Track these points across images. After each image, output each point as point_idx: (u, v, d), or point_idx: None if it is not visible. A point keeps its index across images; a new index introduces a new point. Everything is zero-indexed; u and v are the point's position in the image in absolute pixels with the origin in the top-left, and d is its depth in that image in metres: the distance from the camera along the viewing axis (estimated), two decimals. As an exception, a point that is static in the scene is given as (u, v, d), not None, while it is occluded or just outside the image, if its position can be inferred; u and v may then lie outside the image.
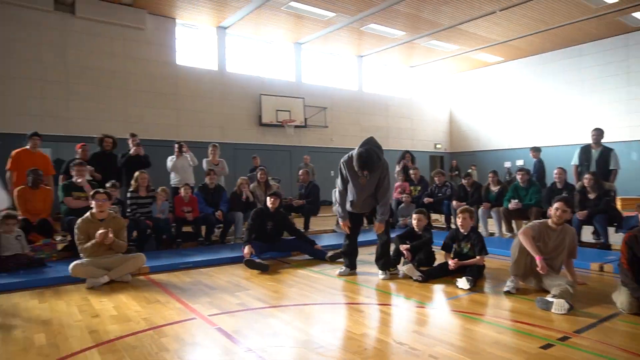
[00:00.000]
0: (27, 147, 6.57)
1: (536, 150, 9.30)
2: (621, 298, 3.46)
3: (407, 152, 9.45)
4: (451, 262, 4.58)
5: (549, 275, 3.91)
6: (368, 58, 17.46)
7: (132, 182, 6.54)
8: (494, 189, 7.44)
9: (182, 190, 6.86)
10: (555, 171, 6.88)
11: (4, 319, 3.48)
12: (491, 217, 7.35)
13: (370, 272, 4.93)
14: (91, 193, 4.75)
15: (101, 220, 4.59)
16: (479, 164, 17.86)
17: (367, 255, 5.48)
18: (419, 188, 8.58)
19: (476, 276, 4.33)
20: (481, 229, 7.45)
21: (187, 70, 13.44)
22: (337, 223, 7.48)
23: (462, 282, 4.15)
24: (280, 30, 14.41)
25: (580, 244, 6.12)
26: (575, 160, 7.23)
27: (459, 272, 4.46)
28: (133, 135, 7.61)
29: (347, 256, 4.95)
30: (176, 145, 7.96)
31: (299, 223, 8.16)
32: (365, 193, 4.60)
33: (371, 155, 4.31)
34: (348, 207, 4.73)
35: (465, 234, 4.70)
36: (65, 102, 11.35)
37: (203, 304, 3.79)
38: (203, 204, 7.00)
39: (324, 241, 6.70)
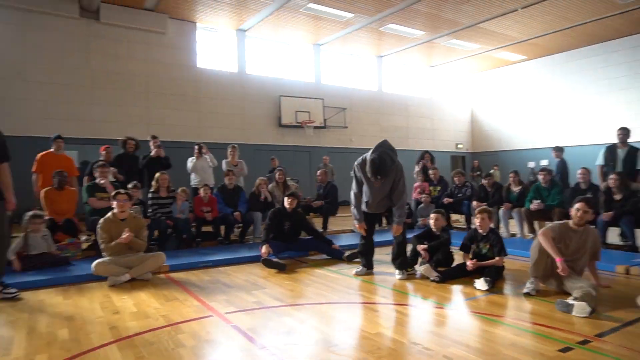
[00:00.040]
0: (52, 149, 6.78)
1: (558, 149, 9.08)
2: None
3: (427, 152, 9.37)
4: (469, 263, 4.52)
5: (570, 277, 3.82)
6: (387, 58, 17.39)
7: (153, 183, 6.68)
8: (515, 189, 7.31)
9: (201, 191, 6.97)
10: (579, 171, 6.71)
11: (31, 314, 3.61)
12: (512, 218, 7.22)
13: (387, 272, 4.91)
14: (112, 194, 4.88)
15: (122, 220, 4.71)
16: (501, 164, 17.55)
17: (384, 255, 5.46)
18: (438, 188, 8.50)
19: (495, 277, 4.26)
20: (502, 230, 7.35)
21: (208, 73, 13.64)
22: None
23: (480, 283, 4.10)
24: (299, 32, 14.49)
25: (606, 246, 5.97)
26: (600, 160, 7.03)
27: (478, 273, 4.40)
28: (154, 137, 7.77)
29: (364, 256, 4.94)
30: (196, 147, 8.09)
31: (317, 223, 8.18)
32: (380, 195, 4.59)
33: (384, 160, 4.27)
34: (363, 207, 4.73)
35: (484, 234, 4.63)
36: (89, 106, 11.66)
37: (220, 301, 3.85)
38: (222, 204, 7.09)
39: (342, 241, 6.70)
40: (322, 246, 5.94)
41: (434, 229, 5.10)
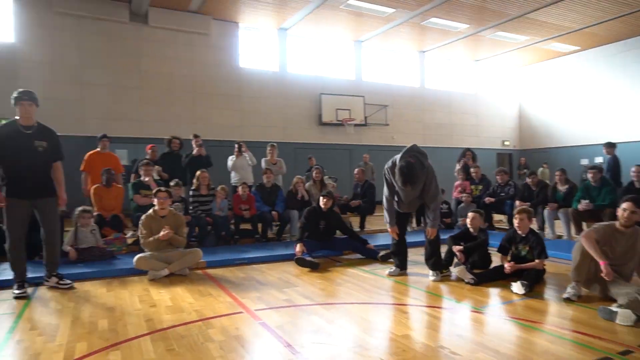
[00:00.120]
0: (98, 148, 7.17)
1: (610, 146, 8.52)
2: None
3: (468, 149, 9.10)
4: (507, 266, 4.36)
5: (616, 282, 3.60)
6: (430, 53, 17.01)
7: (194, 181, 6.91)
8: (562, 188, 6.96)
9: (239, 189, 7.13)
10: (633, 169, 6.32)
11: (77, 304, 3.85)
12: (558, 219, 6.88)
13: (421, 273, 4.83)
14: (154, 191, 5.09)
15: (162, 217, 4.91)
16: (552, 161, 16.71)
17: (419, 256, 5.35)
18: (480, 187, 8.24)
19: (533, 281, 4.09)
20: (547, 231, 7.03)
21: (250, 72, 13.90)
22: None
23: (517, 287, 3.95)
24: (339, 29, 14.46)
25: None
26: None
27: (516, 276, 4.23)
28: (196, 136, 8.03)
29: (397, 256, 4.89)
30: (236, 146, 8.27)
31: (355, 222, 8.18)
32: (411, 196, 4.52)
33: (412, 167, 4.17)
34: (395, 206, 4.67)
35: (523, 235, 4.45)
36: (139, 106, 12.21)
37: (252, 298, 3.93)
38: (260, 203, 7.22)
39: (379, 241, 6.64)
40: (356, 246, 5.93)
41: (471, 230, 4.96)
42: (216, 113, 13.24)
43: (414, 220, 7.75)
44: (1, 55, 10.65)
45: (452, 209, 8.30)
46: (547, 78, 18.26)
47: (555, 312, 3.52)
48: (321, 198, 5.95)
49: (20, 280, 4.16)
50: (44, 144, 4.20)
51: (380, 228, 8.36)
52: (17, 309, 3.71)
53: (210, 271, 5.10)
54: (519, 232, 4.46)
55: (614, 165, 8.39)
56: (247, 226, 7.27)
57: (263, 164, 8.40)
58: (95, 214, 5.82)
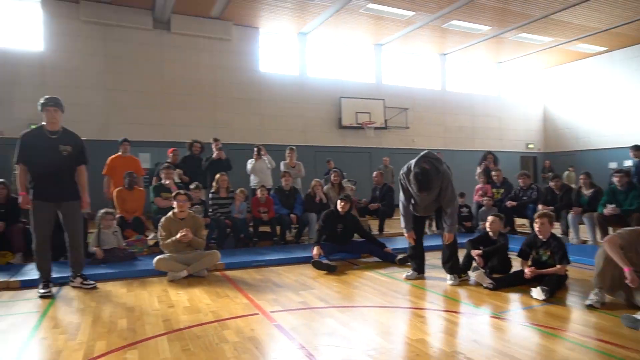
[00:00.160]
0: (119, 152, 7.34)
1: (637, 149, 8.27)
2: None
3: (490, 152, 8.96)
4: (527, 271, 4.26)
5: (641, 289, 3.49)
6: (451, 56, 16.83)
7: (214, 184, 7.01)
8: (587, 192, 6.77)
9: (258, 192, 7.18)
10: (662, 173, 6.09)
11: (98, 303, 3.94)
12: (583, 223, 6.69)
13: (439, 277, 4.77)
14: (173, 194, 5.19)
15: (181, 219, 4.99)
16: (578, 165, 16.27)
17: (438, 260, 5.28)
18: (501, 191, 8.09)
19: (554, 287, 3.98)
20: (572, 236, 6.85)
21: (270, 76, 14.03)
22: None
23: (537, 292, 3.86)
24: (359, 33, 14.47)
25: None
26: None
27: (536, 281, 4.14)
28: (216, 140, 8.14)
29: (414, 259, 4.84)
30: (255, 149, 8.35)
31: (373, 225, 8.13)
32: (427, 200, 4.48)
33: (427, 174, 4.13)
34: (412, 210, 4.63)
35: (545, 240, 4.35)
36: (161, 111, 12.47)
37: (268, 300, 3.96)
38: (278, 205, 7.27)
39: (397, 244, 6.58)
40: (374, 249, 5.90)
41: (490, 233, 4.88)
42: (236, 117, 13.41)
43: (433, 224, 7.66)
44: (32, 64, 11.06)
45: (473, 212, 8.17)
46: (573, 79, 17.83)
47: (577, 319, 3.43)
48: (339, 201, 5.95)
49: (45, 280, 4.30)
50: (69, 148, 4.34)
51: (399, 231, 8.26)
52: (42, 308, 3.84)
53: (228, 273, 5.15)
54: (540, 236, 4.36)
55: (642, 168, 8.14)
56: (266, 229, 7.33)
57: (282, 167, 8.46)
58: (117, 216, 5.96)
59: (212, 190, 7.00)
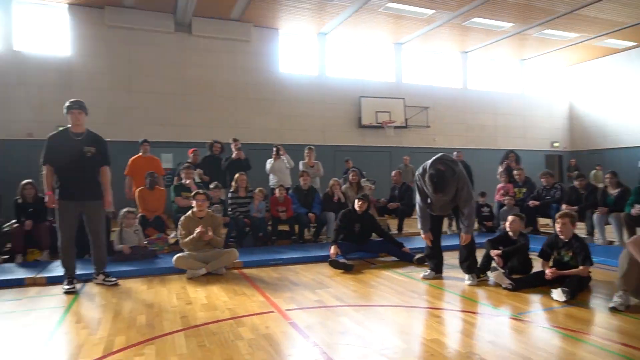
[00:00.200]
0: (140, 153, 7.50)
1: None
2: None
3: (511, 151, 8.80)
4: (548, 271, 4.17)
5: (667, 291, 3.37)
6: (473, 54, 16.57)
7: (233, 183, 7.08)
8: (613, 192, 6.57)
9: (276, 191, 7.24)
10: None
11: (119, 300, 4.05)
12: (609, 224, 6.50)
13: (457, 277, 4.72)
14: (192, 194, 5.28)
15: (200, 218, 5.07)
16: (606, 163, 15.79)
17: (457, 260, 5.23)
18: (524, 190, 7.93)
19: (576, 288, 3.88)
20: (597, 236, 6.67)
21: (289, 77, 14.09)
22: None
23: (557, 294, 3.77)
24: (379, 32, 14.39)
25: None
26: None
27: (558, 282, 4.05)
28: (235, 140, 8.24)
29: (432, 259, 4.80)
30: (274, 149, 8.41)
31: (392, 225, 8.09)
32: (443, 201, 4.43)
33: (441, 175, 4.11)
34: (428, 210, 4.59)
35: (566, 240, 4.25)
36: (183, 112, 12.68)
37: (284, 298, 3.99)
38: (297, 205, 7.30)
39: (416, 243, 6.52)
40: (392, 248, 5.87)
41: (510, 233, 4.80)
42: (256, 117, 13.51)
43: (453, 223, 7.57)
44: (59, 68, 11.40)
45: (494, 212, 8.03)
46: (601, 75, 17.30)
47: (600, 321, 3.34)
48: (356, 201, 5.94)
49: (70, 277, 4.43)
50: (93, 149, 4.47)
51: (418, 231, 8.20)
52: (66, 303, 3.96)
53: (246, 271, 5.21)
54: (562, 237, 4.26)
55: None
56: (285, 227, 7.37)
57: (301, 167, 8.49)
58: (139, 215, 6.09)
59: (232, 190, 7.08)
